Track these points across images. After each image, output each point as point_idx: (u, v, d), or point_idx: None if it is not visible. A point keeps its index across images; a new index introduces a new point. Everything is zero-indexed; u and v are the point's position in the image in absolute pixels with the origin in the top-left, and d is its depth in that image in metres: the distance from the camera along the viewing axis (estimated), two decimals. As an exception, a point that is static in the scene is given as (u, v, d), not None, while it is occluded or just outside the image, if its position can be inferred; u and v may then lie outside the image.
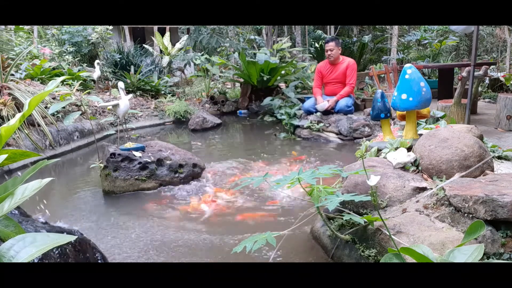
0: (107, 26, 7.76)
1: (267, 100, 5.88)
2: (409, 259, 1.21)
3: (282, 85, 7.18)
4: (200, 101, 7.15)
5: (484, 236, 1.37)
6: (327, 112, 4.81)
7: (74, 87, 4.29)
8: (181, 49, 8.36)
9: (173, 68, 8.73)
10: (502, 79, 6.12)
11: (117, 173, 2.87)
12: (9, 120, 2.45)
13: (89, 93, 5.85)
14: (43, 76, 5.65)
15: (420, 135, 2.36)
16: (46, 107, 4.44)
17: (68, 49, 7.38)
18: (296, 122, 4.91)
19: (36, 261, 1.09)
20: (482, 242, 1.35)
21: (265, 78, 6.27)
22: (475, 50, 3.35)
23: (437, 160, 1.87)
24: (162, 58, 8.38)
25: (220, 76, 7.61)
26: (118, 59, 7.54)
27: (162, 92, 7.15)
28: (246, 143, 4.98)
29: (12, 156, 1.33)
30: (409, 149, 2.21)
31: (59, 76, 5.75)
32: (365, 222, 1.64)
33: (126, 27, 10.52)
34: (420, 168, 1.99)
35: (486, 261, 1.33)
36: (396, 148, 2.24)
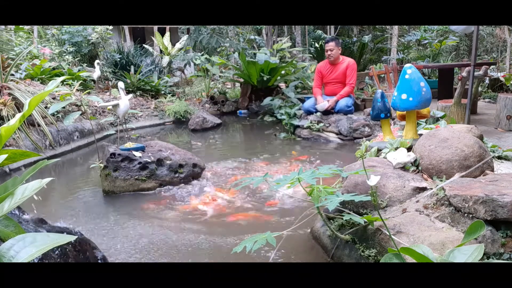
0: (107, 26, 7.76)
1: (267, 100, 5.88)
2: (409, 259, 1.21)
3: (282, 85, 7.18)
4: (200, 101, 7.15)
5: (484, 236, 1.37)
6: (327, 112, 4.81)
7: (74, 87, 4.29)
8: (181, 49, 8.36)
9: (173, 68, 8.73)
10: (502, 79, 6.12)
11: (117, 173, 2.87)
12: (9, 120, 2.45)
13: (89, 93, 5.85)
14: (43, 76, 5.65)
15: (420, 135, 2.36)
16: (46, 107, 4.44)
17: (68, 49, 7.38)
18: (296, 122, 4.91)
19: (36, 261, 1.09)
20: (482, 242, 1.35)
21: (265, 78, 6.27)
22: (475, 50, 3.35)
23: (437, 160, 1.87)
24: (162, 58, 8.38)
25: (220, 76, 7.61)
26: (118, 59, 7.54)
27: (162, 92, 7.15)
28: (246, 143, 4.98)
29: (12, 156, 1.33)
30: (409, 149, 2.21)
31: (59, 76, 5.75)
32: (365, 222, 1.64)
33: (126, 27, 10.52)
34: (420, 168, 1.99)
35: (486, 261, 1.33)
36: (396, 148, 2.24)
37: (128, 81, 6.84)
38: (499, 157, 2.29)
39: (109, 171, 2.88)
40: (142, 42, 10.16)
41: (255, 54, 6.95)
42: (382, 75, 6.66)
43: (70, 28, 7.45)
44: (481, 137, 2.29)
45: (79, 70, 6.37)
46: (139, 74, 7.09)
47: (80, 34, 7.40)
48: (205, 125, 5.61)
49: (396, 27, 10.93)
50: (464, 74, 3.72)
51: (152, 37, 9.17)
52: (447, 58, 10.97)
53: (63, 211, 2.62)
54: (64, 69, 6.27)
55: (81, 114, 4.92)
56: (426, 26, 9.15)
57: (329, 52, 4.84)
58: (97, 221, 2.43)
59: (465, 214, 1.49)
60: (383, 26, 12.25)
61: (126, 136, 3.55)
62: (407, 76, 2.34)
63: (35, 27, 8.76)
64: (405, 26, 12.39)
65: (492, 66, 7.62)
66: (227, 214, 2.45)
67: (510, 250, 1.36)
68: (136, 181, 2.89)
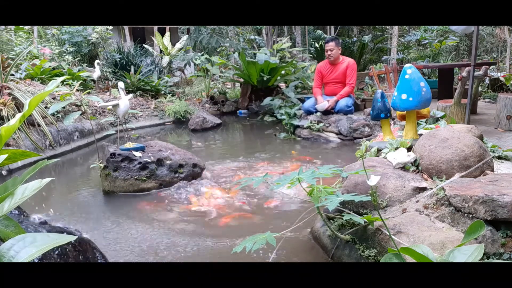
0: (107, 26, 7.76)
1: (267, 100, 5.88)
2: (409, 259, 1.21)
3: (282, 85, 7.18)
4: (200, 101, 7.15)
5: (484, 236, 1.37)
6: (327, 112, 4.81)
7: (74, 87, 4.29)
8: (181, 49, 8.36)
9: (173, 68, 8.73)
10: (502, 79, 6.12)
11: (117, 173, 2.87)
12: (9, 120, 2.45)
13: (89, 93, 5.85)
14: (43, 76, 5.65)
15: (420, 135, 2.36)
16: (46, 107, 4.44)
17: (68, 49, 7.38)
18: (296, 122, 4.91)
19: (36, 261, 1.09)
20: (482, 242, 1.35)
21: (265, 78, 6.27)
22: (475, 50, 3.35)
23: (437, 160, 1.87)
24: (162, 58, 8.38)
25: (220, 76, 7.61)
26: (118, 59, 7.54)
27: (162, 92, 7.15)
28: (246, 143, 4.98)
29: (12, 156, 1.33)
30: (409, 149, 2.21)
31: (59, 76, 5.75)
32: (365, 222, 1.64)
33: (126, 27, 10.52)
34: (420, 168, 1.99)
35: (486, 261, 1.33)
36: (396, 148, 2.24)
37: (128, 81, 6.84)
38: (499, 157, 2.29)
39: (109, 171, 2.88)
40: (142, 42, 10.16)
41: (255, 54, 6.95)
42: (382, 75, 6.66)
43: (70, 28, 7.45)
44: (481, 137, 2.29)
45: (79, 70, 6.37)
46: (139, 74, 7.09)
47: (80, 34, 7.40)
48: (205, 125, 5.61)
49: (396, 27, 10.93)
50: (464, 74, 3.72)
51: (152, 37, 9.17)
52: (447, 58, 10.98)
53: (63, 211, 2.62)
54: (64, 69, 6.27)
55: (81, 114, 4.92)
56: (426, 26, 9.15)
57: (329, 52, 4.84)
58: (97, 221, 2.43)
59: (465, 214, 1.49)
60: (383, 26, 12.25)
61: (126, 136, 3.55)
62: (407, 76, 2.34)
63: (35, 27, 8.76)
64: (405, 26, 12.39)
65: (492, 66, 7.62)
66: (227, 214, 2.45)
67: (510, 250, 1.36)
68: (136, 181, 2.88)
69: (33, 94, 4.28)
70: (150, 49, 9.03)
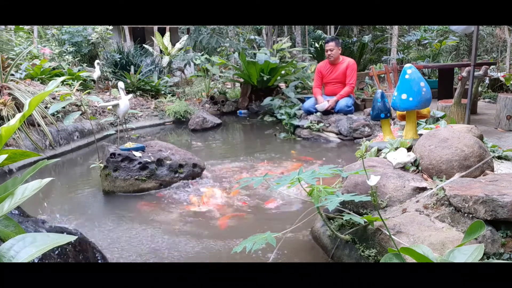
0: (107, 26, 7.76)
1: (267, 100, 5.88)
2: (409, 259, 1.21)
3: (282, 85, 7.18)
4: (200, 101, 7.15)
5: (484, 236, 1.37)
6: (327, 112, 4.81)
7: (74, 87, 4.29)
8: (181, 49, 8.36)
9: (173, 68, 8.73)
10: (502, 79, 6.12)
11: (117, 173, 2.87)
12: (9, 120, 2.45)
13: (89, 93, 5.85)
14: (43, 76, 5.65)
15: (420, 135, 2.36)
16: (46, 107, 4.44)
17: (68, 49, 7.39)
18: (296, 122, 4.91)
19: (36, 261, 1.09)
20: (482, 242, 1.35)
21: (265, 78, 6.27)
22: (475, 50, 3.35)
23: (437, 160, 1.87)
24: (162, 58, 8.38)
25: (220, 76, 7.61)
26: (118, 59, 7.54)
27: (162, 92, 7.15)
28: (246, 143, 4.98)
29: (12, 156, 1.33)
30: (409, 149, 2.21)
31: (59, 76, 5.75)
32: (365, 222, 1.64)
33: (126, 27, 10.52)
34: (420, 168, 1.99)
35: (486, 261, 1.33)
36: (396, 148, 2.24)
37: (128, 81, 6.84)
38: (499, 157, 2.29)
39: (109, 171, 2.88)
40: (142, 42, 10.16)
41: (255, 54, 6.95)
42: (382, 75, 6.66)
43: (70, 28, 7.45)
44: (481, 137, 2.29)
45: (79, 70, 6.37)
46: (139, 74, 7.09)
47: (80, 34, 7.40)
48: (205, 125, 5.61)
49: (396, 27, 10.94)
50: (464, 74, 3.72)
51: (152, 37, 9.17)
52: (447, 58, 10.98)
53: (63, 211, 2.62)
54: (64, 69, 6.27)
55: (81, 114, 4.92)
56: (426, 26, 9.15)
57: (329, 52, 4.84)
58: (97, 221, 2.43)
59: (465, 214, 1.49)
60: (383, 26, 12.25)
61: (126, 136, 3.55)
62: (407, 76, 2.34)
63: (35, 27, 8.77)
64: (405, 26, 12.39)
65: (492, 66, 7.62)
66: (227, 214, 2.45)
67: (510, 250, 1.36)
68: (136, 181, 2.88)
69: (33, 94, 4.28)
70: (150, 49, 9.03)
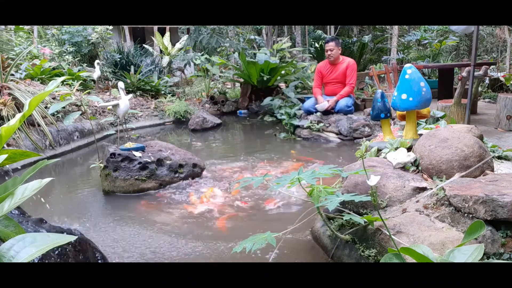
0: (107, 26, 7.76)
1: (267, 100, 5.88)
2: (409, 259, 1.21)
3: (282, 85, 7.18)
4: (200, 101, 7.15)
5: (484, 236, 1.37)
6: (327, 112, 4.81)
7: (74, 87, 4.29)
8: (181, 49, 8.36)
9: (173, 68, 8.73)
10: (502, 79, 6.12)
11: (117, 173, 2.87)
12: (9, 120, 2.45)
13: (89, 93, 5.85)
14: (43, 76, 5.65)
15: (420, 135, 2.36)
16: (46, 107, 4.44)
17: (68, 49, 7.38)
18: (296, 122, 4.91)
19: (36, 261, 1.09)
20: (482, 242, 1.35)
21: (265, 78, 6.27)
22: (475, 50, 3.35)
23: (437, 160, 1.87)
24: (162, 58, 8.38)
25: (220, 76, 7.61)
26: (118, 59, 7.54)
27: (162, 92, 7.15)
28: (246, 143, 4.98)
29: (12, 156, 1.33)
30: (409, 149, 2.21)
31: (59, 76, 5.75)
32: (365, 222, 1.64)
33: (126, 27, 10.52)
34: (420, 168, 1.99)
35: (486, 261, 1.33)
36: (396, 148, 2.24)
37: (128, 81, 6.84)
38: (499, 157, 2.29)
39: (109, 171, 2.88)
40: (142, 42, 10.16)
41: (255, 54, 6.95)
42: (382, 75, 6.66)
43: (70, 28, 7.45)
44: (481, 137, 2.29)
45: (79, 70, 6.37)
46: (139, 74, 7.09)
47: (80, 34, 7.40)
48: (205, 125, 5.61)
49: (396, 27, 10.94)
50: (464, 74, 3.72)
51: (152, 37, 9.17)
52: (447, 58, 10.98)
53: (63, 211, 2.62)
54: (64, 69, 6.27)
55: (81, 114, 4.92)
56: (426, 26, 9.15)
57: (329, 52, 4.84)
58: (97, 221, 2.43)
59: (465, 214, 1.49)
60: (383, 26, 12.25)
61: (126, 136, 3.55)
62: (407, 76, 2.34)
63: (35, 27, 8.76)
64: (405, 26, 12.39)
65: (492, 66, 7.62)
66: (227, 214, 2.45)
67: (510, 250, 1.36)
68: (136, 181, 2.88)
69: (33, 94, 4.28)
70: (150, 49, 9.03)
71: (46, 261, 1.14)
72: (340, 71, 4.89)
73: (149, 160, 2.95)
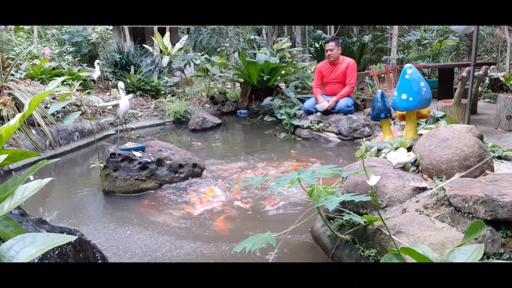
0: (107, 26, 7.76)
1: (267, 100, 5.88)
2: (409, 259, 1.21)
3: (282, 85, 7.18)
4: (200, 101, 7.15)
5: (484, 236, 1.37)
6: (327, 112, 4.81)
7: (74, 87, 4.29)
8: (181, 49, 8.36)
9: (173, 68, 8.73)
10: (502, 79, 6.12)
11: (117, 173, 2.87)
12: (9, 120, 2.45)
13: (89, 93, 5.85)
14: (43, 76, 5.65)
15: (420, 135, 2.36)
16: (46, 107, 4.44)
17: (68, 49, 7.39)
18: (296, 122, 4.91)
19: (36, 261, 1.09)
20: (482, 242, 1.35)
21: (265, 78, 6.27)
22: (475, 50, 3.35)
23: (437, 160, 1.87)
24: (162, 58, 8.38)
25: (220, 76, 7.61)
26: (118, 59, 7.54)
27: (162, 92, 7.15)
28: (246, 143, 4.98)
29: (12, 156, 1.33)
30: (409, 149, 2.21)
31: (59, 76, 5.75)
32: (365, 222, 1.64)
33: (126, 27, 10.52)
34: (420, 168, 1.99)
35: (486, 261, 1.33)
36: (396, 148, 2.24)
37: (128, 81, 6.84)
38: (499, 157, 2.29)
39: (109, 171, 2.88)
40: (142, 42, 10.16)
41: (255, 54, 6.95)
42: (382, 75, 6.66)
43: (70, 28, 7.45)
44: (481, 137, 2.29)
45: (79, 70, 6.37)
46: (139, 74, 7.09)
47: (80, 34, 7.40)
48: (205, 125, 5.61)
49: (396, 27, 10.94)
50: (464, 74, 3.72)
51: (152, 37, 9.17)
52: (447, 58, 10.98)
53: (63, 211, 2.62)
54: (64, 69, 6.27)
55: (81, 114, 4.93)
56: (426, 26, 9.15)
57: (329, 52, 4.84)
58: (97, 221, 2.43)
59: (465, 214, 1.49)
60: (383, 26, 12.25)
61: (126, 136, 3.55)
62: (407, 76, 2.34)
63: (35, 27, 8.77)
64: (405, 26, 12.39)
65: (492, 66, 7.62)
66: (227, 214, 2.45)
67: (510, 250, 1.36)
68: (136, 181, 2.88)
69: (33, 94, 4.28)
70: (150, 49, 9.03)
71: (46, 261, 1.14)
72: (340, 71, 4.89)
73: (149, 160, 2.95)
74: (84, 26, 7.45)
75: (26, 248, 0.87)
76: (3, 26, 6.46)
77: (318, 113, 4.82)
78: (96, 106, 5.58)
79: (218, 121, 5.87)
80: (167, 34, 8.59)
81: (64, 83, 5.62)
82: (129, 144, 3.07)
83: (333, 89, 4.98)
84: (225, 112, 6.96)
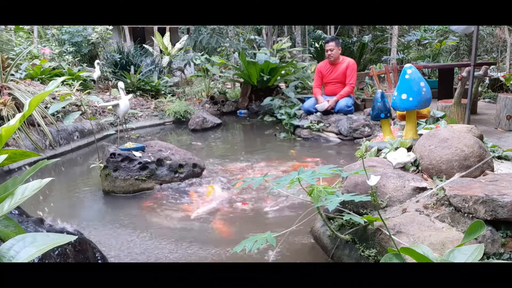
0: (107, 26, 7.76)
1: (267, 100, 5.88)
2: (409, 259, 1.21)
3: (282, 85, 7.18)
4: (200, 101, 7.15)
5: (484, 236, 1.37)
6: (327, 112, 4.81)
7: (74, 87, 4.29)
8: (181, 49, 8.36)
9: (173, 68, 8.72)
10: (502, 79, 6.12)
11: (117, 173, 2.87)
12: (9, 120, 2.45)
13: (89, 93, 5.85)
14: (43, 76, 5.64)
15: (420, 135, 2.36)
16: (46, 107, 4.44)
17: (68, 49, 7.38)
18: (296, 122, 4.91)
19: (36, 261, 1.09)
20: (482, 242, 1.35)
21: (265, 78, 6.27)
22: (475, 50, 3.35)
23: (437, 160, 1.86)
24: (162, 58, 8.38)
25: (220, 76, 7.61)
26: (118, 59, 7.54)
27: (162, 92, 7.15)
28: (246, 143, 4.98)
29: (12, 156, 1.33)
30: (409, 149, 2.21)
31: (59, 76, 5.75)
32: (365, 222, 1.64)
33: (126, 27, 10.52)
34: (420, 168, 1.99)
35: (486, 261, 1.33)
36: (396, 148, 2.24)
37: (128, 81, 6.83)
38: (499, 157, 2.29)
39: (109, 171, 2.88)
40: (142, 42, 10.16)
41: (255, 54, 6.95)
42: (382, 75, 6.66)
43: (70, 28, 7.45)
44: (481, 137, 2.29)
45: (79, 70, 6.37)
46: (139, 74, 7.09)
47: (80, 34, 7.40)
48: (205, 125, 5.61)
49: (396, 27, 10.94)
50: (464, 74, 3.72)
51: (152, 37, 9.17)
52: (447, 58, 10.98)
53: (63, 211, 2.62)
54: (64, 69, 6.27)
55: (81, 114, 4.92)
56: (426, 26, 9.15)
57: (329, 52, 4.84)
58: (97, 221, 2.43)
59: (465, 214, 1.49)
60: (383, 26, 12.25)
61: (126, 136, 3.55)
62: (407, 76, 2.34)
63: (35, 27, 8.76)
64: (405, 26, 12.39)
65: (492, 66, 7.62)
66: (227, 214, 2.45)
67: (510, 250, 1.36)
68: (136, 181, 2.88)
69: (33, 94, 4.28)
70: (150, 49, 9.03)
71: (46, 261, 1.14)
72: (340, 71, 4.89)
73: (149, 160, 2.95)
74: (84, 26, 7.45)
75: (26, 248, 0.87)
76: (3, 26, 6.46)
77: (318, 113, 4.82)
78: (96, 106, 5.58)
79: (218, 121, 5.87)
80: (167, 34, 8.59)
81: (64, 83, 5.62)
82: (129, 144, 3.07)
83: (333, 89, 4.98)
84: (225, 112, 6.96)
